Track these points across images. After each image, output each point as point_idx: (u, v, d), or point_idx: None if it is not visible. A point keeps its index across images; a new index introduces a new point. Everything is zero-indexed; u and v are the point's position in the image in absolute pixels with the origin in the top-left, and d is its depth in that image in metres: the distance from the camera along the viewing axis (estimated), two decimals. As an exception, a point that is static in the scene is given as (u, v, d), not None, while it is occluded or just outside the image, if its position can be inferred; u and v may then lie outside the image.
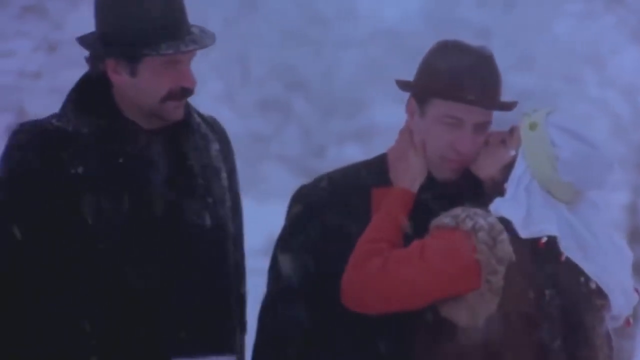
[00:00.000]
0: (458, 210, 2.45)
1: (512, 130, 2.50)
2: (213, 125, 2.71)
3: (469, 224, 2.39)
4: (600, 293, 2.48)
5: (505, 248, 2.41)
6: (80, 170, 2.48)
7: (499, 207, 2.44)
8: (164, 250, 2.53)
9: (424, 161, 2.56)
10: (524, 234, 2.44)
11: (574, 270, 2.44)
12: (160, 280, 2.53)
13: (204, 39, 2.54)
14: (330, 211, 2.55)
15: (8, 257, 2.48)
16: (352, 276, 2.45)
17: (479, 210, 2.42)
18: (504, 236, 2.39)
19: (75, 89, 2.56)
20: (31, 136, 2.50)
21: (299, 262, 2.56)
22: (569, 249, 2.46)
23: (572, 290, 2.43)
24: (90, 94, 2.56)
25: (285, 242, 2.59)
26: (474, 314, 2.38)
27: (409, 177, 2.54)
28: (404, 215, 2.51)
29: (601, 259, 2.46)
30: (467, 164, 2.54)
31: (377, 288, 2.41)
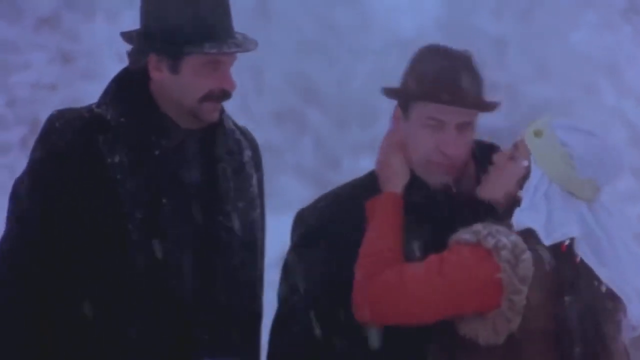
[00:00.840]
0: (479, 227, 2.47)
1: (517, 145, 2.53)
2: (245, 133, 2.77)
3: (491, 242, 2.38)
4: (614, 297, 2.49)
5: (528, 266, 2.43)
6: (116, 158, 2.49)
7: (519, 218, 2.46)
8: (193, 247, 2.52)
9: (403, 160, 2.58)
10: (547, 241, 2.47)
11: (589, 273, 2.45)
12: (187, 278, 2.53)
13: (246, 44, 2.61)
14: (333, 229, 2.57)
15: (42, 238, 2.47)
16: (365, 289, 2.45)
17: (501, 228, 2.42)
18: (527, 255, 2.40)
19: (115, 80, 2.58)
20: (70, 120, 2.51)
21: (308, 283, 2.57)
22: (584, 252, 2.48)
23: (589, 294, 2.44)
24: (129, 86, 2.61)
25: (292, 264, 2.60)
26: (495, 332, 2.38)
27: (392, 180, 2.57)
28: (396, 217, 2.52)
29: (616, 264, 2.46)
30: (457, 166, 2.56)
31: (393, 302, 2.42)
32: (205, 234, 2.52)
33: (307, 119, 8.80)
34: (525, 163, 2.46)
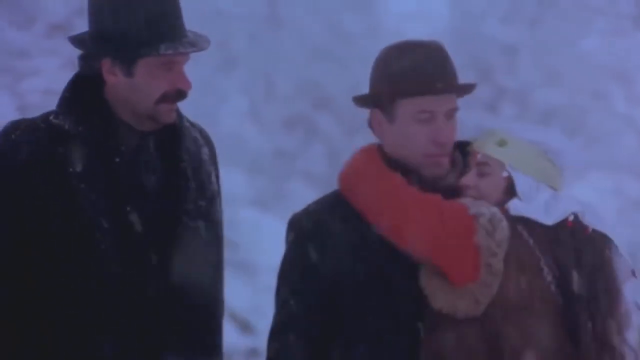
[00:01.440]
0: (466, 199, 2.50)
1: (482, 162, 2.56)
2: (201, 130, 2.74)
3: (473, 210, 2.45)
4: (626, 262, 2.51)
5: (504, 232, 2.45)
6: (78, 168, 2.48)
7: (517, 207, 2.51)
8: (158, 250, 2.51)
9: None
10: (549, 220, 2.50)
11: (599, 244, 2.50)
12: (154, 281, 2.49)
13: (200, 42, 2.58)
14: (323, 230, 2.58)
15: (9, 252, 2.45)
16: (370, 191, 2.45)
17: (483, 202, 2.49)
18: (504, 223, 2.45)
19: (68, 88, 2.56)
20: (27, 132, 2.49)
21: (303, 288, 2.58)
22: (594, 221, 2.52)
23: (598, 264, 2.48)
24: (83, 93, 2.54)
25: (286, 269, 2.61)
26: (475, 301, 2.40)
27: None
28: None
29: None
30: (449, 155, 2.59)
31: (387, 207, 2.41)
32: (170, 235, 2.51)
33: (317, 125, 8.80)
34: (505, 173, 2.50)
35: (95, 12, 2.55)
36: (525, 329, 2.43)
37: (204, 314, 2.56)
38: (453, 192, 2.55)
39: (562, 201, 2.53)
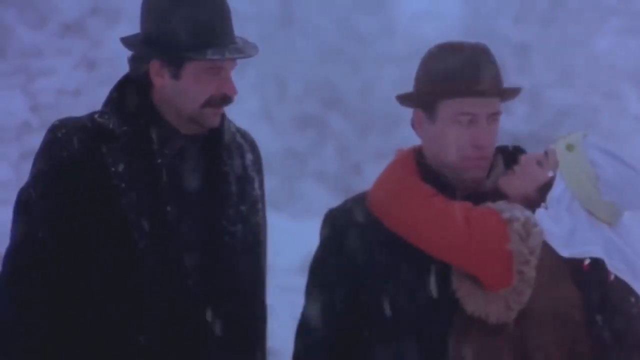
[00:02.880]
0: (501, 203, 2.45)
1: (548, 153, 2.51)
2: (245, 136, 2.75)
3: (507, 214, 2.39)
4: None
5: (538, 239, 2.40)
6: (120, 167, 2.48)
7: (541, 219, 2.46)
8: (198, 253, 2.51)
9: None
10: (565, 252, 2.44)
11: (623, 290, 2.43)
12: (194, 284, 2.49)
13: (247, 49, 2.59)
14: (353, 233, 2.56)
15: (51, 250, 2.45)
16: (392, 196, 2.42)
17: (517, 205, 2.43)
18: (538, 229, 2.40)
19: (116, 88, 2.56)
20: (72, 131, 2.48)
21: (333, 284, 2.57)
22: (618, 269, 2.43)
23: (625, 311, 2.42)
24: (130, 94, 2.54)
25: (315, 268, 2.61)
26: (507, 307, 2.37)
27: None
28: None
29: None
30: (489, 159, 2.55)
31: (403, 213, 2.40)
32: (209, 239, 2.51)
33: (329, 125, 8.80)
34: (551, 173, 2.44)
35: (147, 15, 2.54)
36: (557, 338, 2.39)
37: (244, 317, 2.55)
38: (492, 197, 2.48)
39: (591, 239, 2.42)
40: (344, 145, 8.72)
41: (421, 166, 2.53)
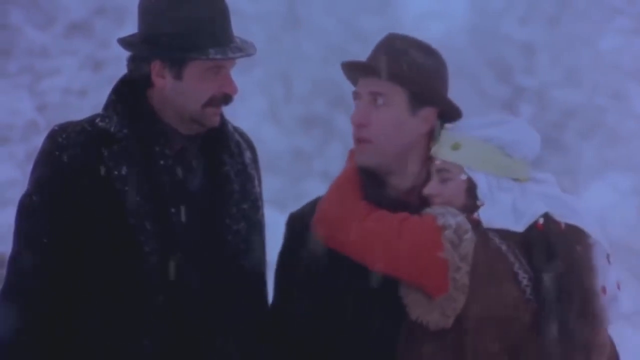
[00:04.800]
0: (437, 207, 2.49)
1: (440, 168, 2.55)
2: (243, 135, 2.76)
3: (440, 220, 2.44)
4: (593, 252, 2.49)
5: (469, 245, 2.43)
6: (123, 171, 2.48)
7: (487, 218, 2.51)
8: (202, 252, 2.51)
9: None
10: (520, 226, 2.46)
11: (570, 238, 2.48)
12: (198, 283, 2.50)
13: (247, 48, 2.59)
14: (310, 236, 2.59)
15: (53, 256, 2.46)
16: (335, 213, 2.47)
17: (451, 209, 2.47)
18: (469, 235, 2.43)
19: (114, 91, 2.56)
20: (73, 135, 2.49)
21: (289, 289, 2.60)
22: (562, 215, 2.48)
23: (569, 259, 2.46)
24: (128, 96, 2.53)
25: (278, 268, 2.59)
26: (443, 314, 2.41)
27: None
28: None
29: (583, 215, 2.51)
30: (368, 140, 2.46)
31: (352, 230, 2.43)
32: (213, 238, 2.52)
33: (335, 125, 8.79)
34: (464, 176, 2.48)
35: (146, 15, 2.53)
36: (496, 342, 2.41)
37: (248, 315, 2.56)
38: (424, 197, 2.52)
39: (530, 201, 2.48)
40: (350, 146, 8.71)
41: (363, 175, 2.56)
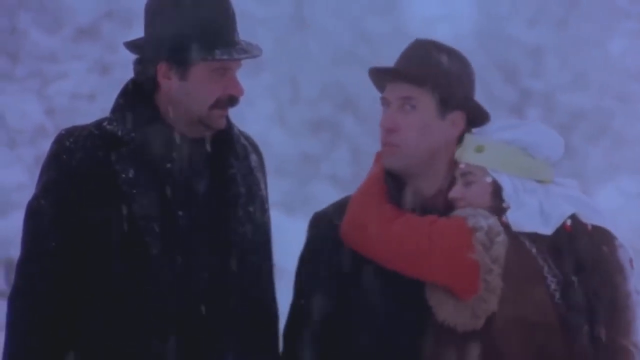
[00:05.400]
0: (468, 209, 2.47)
1: (463, 172, 2.54)
2: (248, 138, 2.75)
3: (471, 221, 2.43)
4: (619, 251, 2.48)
5: (500, 248, 2.42)
6: (130, 174, 2.48)
7: (515, 220, 2.49)
8: (209, 255, 2.52)
9: None
10: (548, 229, 2.46)
11: (597, 239, 2.48)
12: (205, 286, 2.49)
13: (252, 50, 2.57)
14: (334, 235, 2.58)
15: (62, 259, 2.47)
16: (363, 219, 2.46)
17: (482, 211, 2.46)
18: (501, 238, 2.43)
19: (121, 95, 2.56)
20: (80, 139, 2.50)
21: (311, 290, 2.54)
22: (587, 216, 2.47)
23: (596, 261, 2.46)
24: (135, 100, 2.53)
25: (298, 268, 2.56)
26: (474, 315, 2.40)
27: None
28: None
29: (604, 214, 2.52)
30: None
31: (376, 235, 2.43)
32: (220, 240, 2.52)
33: (342, 128, 8.79)
34: (489, 179, 2.49)
35: (151, 17, 2.54)
36: (526, 344, 2.41)
37: (257, 317, 2.56)
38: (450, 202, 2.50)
39: (556, 202, 2.48)
40: (358, 149, 8.71)
41: (388, 178, 2.55)
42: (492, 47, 8.62)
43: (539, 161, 2.52)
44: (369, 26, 8.84)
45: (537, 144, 2.52)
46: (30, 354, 2.45)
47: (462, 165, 2.51)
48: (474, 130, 2.59)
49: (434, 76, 2.51)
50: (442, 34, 8.38)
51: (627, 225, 7.83)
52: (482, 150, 2.51)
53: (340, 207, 2.55)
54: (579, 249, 2.47)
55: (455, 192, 2.52)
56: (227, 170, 2.57)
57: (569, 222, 2.47)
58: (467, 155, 2.52)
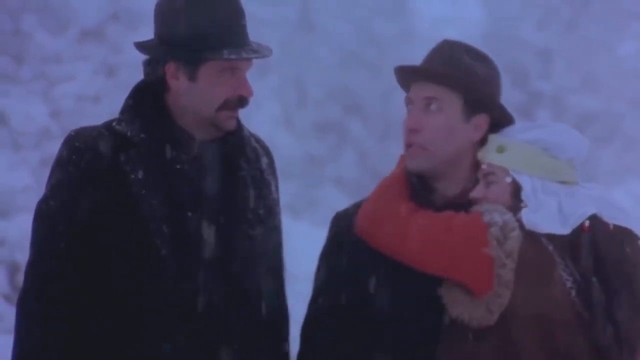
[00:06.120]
0: (485, 204, 2.46)
1: (486, 171, 2.52)
2: (259, 140, 2.72)
3: (486, 217, 2.42)
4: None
5: (514, 243, 2.39)
6: (140, 174, 2.46)
7: (530, 220, 2.46)
8: (218, 257, 2.50)
9: None
10: (565, 229, 2.43)
11: (619, 238, 2.46)
12: (215, 288, 2.48)
13: (262, 50, 2.55)
14: (354, 236, 2.55)
15: (71, 261, 2.45)
16: (379, 211, 2.45)
17: (499, 207, 2.44)
18: (516, 233, 2.40)
19: (131, 95, 2.54)
20: (89, 140, 2.48)
21: (329, 289, 2.57)
22: (611, 217, 2.44)
23: (618, 261, 2.43)
24: (145, 100, 2.52)
25: (318, 267, 2.55)
26: (488, 310, 2.38)
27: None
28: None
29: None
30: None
31: (393, 228, 2.42)
32: (230, 243, 2.49)
33: (349, 131, 8.75)
34: (509, 179, 2.45)
35: (161, 18, 2.51)
36: (541, 339, 2.38)
37: (267, 321, 2.52)
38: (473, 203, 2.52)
39: (577, 203, 2.46)
40: (364, 151, 8.68)
41: (409, 178, 2.53)
42: (500, 49, 8.56)
43: (561, 162, 2.49)
44: (376, 28, 8.80)
45: (561, 145, 2.49)
46: (42, 355, 2.42)
47: (484, 166, 2.47)
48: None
49: (460, 77, 2.47)
50: (450, 36, 8.33)
51: (637, 228, 7.72)
52: (504, 151, 2.49)
53: (359, 206, 2.51)
54: (599, 249, 2.44)
55: (477, 193, 2.51)
56: (237, 172, 2.55)
57: (587, 223, 2.43)
58: (489, 155, 2.49)
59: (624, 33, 9.02)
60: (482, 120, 2.48)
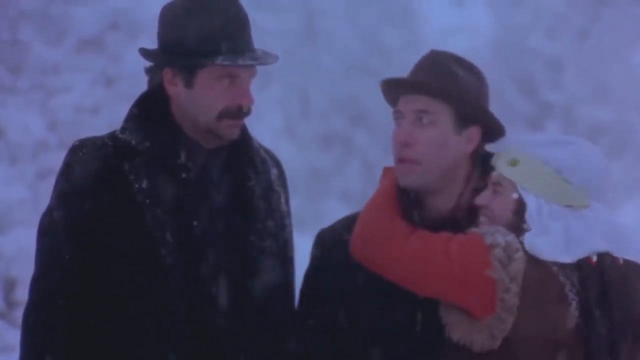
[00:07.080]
0: (485, 227, 2.39)
1: (496, 181, 2.39)
2: (269, 152, 2.66)
3: (489, 239, 2.35)
4: None
5: (519, 265, 2.32)
6: (144, 184, 2.43)
7: (532, 243, 2.32)
8: (226, 268, 2.46)
9: None
10: (570, 258, 2.35)
11: (629, 273, 2.40)
12: (222, 300, 2.44)
13: (265, 57, 2.47)
14: (341, 254, 2.42)
15: (76, 272, 2.42)
16: (372, 234, 2.37)
17: (500, 228, 2.37)
18: (519, 255, 2.34)
19: (136, 104, 2.51)
20: (93, 150, 2.45)
21: (315, 310, 2.43)
22: (624, 250, 2.38)
23: (624, 296, 2.38)
24: (150, 109, 2.48)
25: (304, 287, 2.48)
26: (491, 335, 2.32)
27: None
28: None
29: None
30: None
31: (389, 252, 2.34)
32: (237, 254, 2.46)
33: (354, 142, 8.65)
34: (515, 195, 2.38)
35: (162, 25, 2.50)
36: None
37: (274, 334, 2.48)
38: (465, 223, 2.40)
39: (586, 232, 2.37)
40: (370, 164, 8.56)
41: (400, 194, 2.42)
42: (510, 59, 8.46)
43: (573, 187, 2.39)
44: (382, 37, 8.68)
45: (575, 168, 2.41)
46: None
47: (494, 174, 2.39)
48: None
49: (453, 89, 2.41)
50: (458, 46, 8.18)
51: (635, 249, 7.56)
52: (516, 164, 2.41)
53: (349, 222, 2.47)
54: (605, 283, 2.36)
55: (482, 199, 2.40)
56: (245, 182, 2.51)
57: (594, 258, 2.36)
58: (500, 165, 2.40)
59: (637, 42, 8.92)
60: (474, 132, 2.40)
